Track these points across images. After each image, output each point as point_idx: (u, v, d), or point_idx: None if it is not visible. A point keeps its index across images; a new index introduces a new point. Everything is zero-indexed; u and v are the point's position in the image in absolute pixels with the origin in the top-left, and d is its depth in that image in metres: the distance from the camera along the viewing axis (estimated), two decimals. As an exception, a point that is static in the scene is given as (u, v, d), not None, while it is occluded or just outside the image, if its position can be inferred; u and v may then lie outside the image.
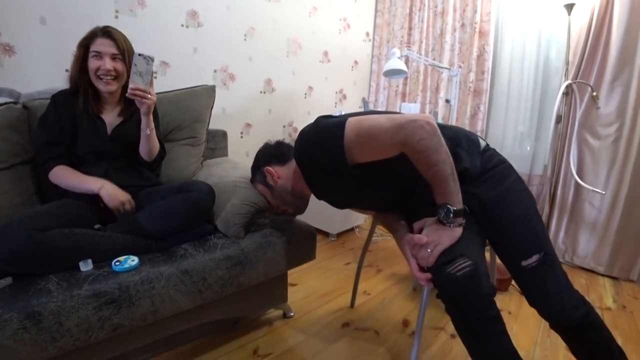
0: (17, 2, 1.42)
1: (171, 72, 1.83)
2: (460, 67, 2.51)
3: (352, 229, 2.55)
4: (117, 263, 0.97)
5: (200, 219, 1.14)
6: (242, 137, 2.19)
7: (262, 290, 1.30)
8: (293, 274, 1.44)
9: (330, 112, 2.12)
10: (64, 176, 1.14)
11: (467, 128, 2.29)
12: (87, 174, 1.15)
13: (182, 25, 1.88)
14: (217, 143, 1.80)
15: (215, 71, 2.03)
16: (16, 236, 0.85)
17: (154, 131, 1.22)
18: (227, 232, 1.16)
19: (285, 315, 1.46)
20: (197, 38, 1.93)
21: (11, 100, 1.28)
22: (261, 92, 2.28)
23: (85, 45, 1.15)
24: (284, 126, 2.48)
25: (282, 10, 2.28)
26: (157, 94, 1.42)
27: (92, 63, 1.14)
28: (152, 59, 1.08)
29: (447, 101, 2.23)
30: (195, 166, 1.58)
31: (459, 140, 0.97)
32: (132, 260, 0.98)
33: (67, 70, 1.53)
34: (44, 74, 1.49)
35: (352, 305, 1.57)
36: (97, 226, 1.09)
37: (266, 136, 1.69)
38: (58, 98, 1.19)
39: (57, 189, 1.16)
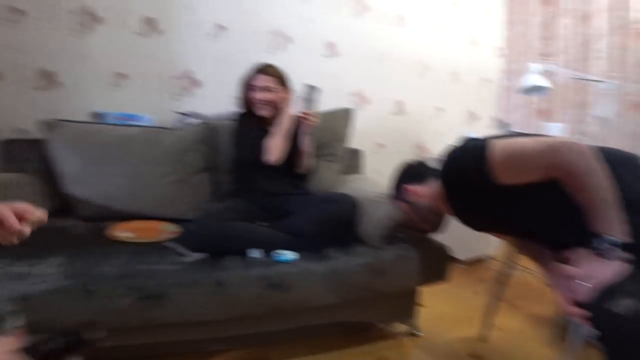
0: (205, 49, 1.89)
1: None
2: (615, 77, 2.12)
3: (483, 258, 2.37)
4: (278, 254, 1.16)
5: (347, 227, 1.28)
6: (374, 155, 2.30)
7: (393, 302, 1.34)
8: (422, 294, 1.44)
9: (462, 132, 2.05)
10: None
11: (629, 150, 1.90)
12: (253, 181, 1.43)
13: (323, 55, 2.15)
14: (352, 160, 1.95)
15: (350, 94, 2.24)
16: (210, 224, 1.14)
17: (310, 147, 1.45)
18: (369, 241, 1.26)
19: (412, 334, 1.45)
20: (334, 65, 2.18)
21: (201, 121, 1.71)
22: (392, 113, 2.40)
23: (247, 82, 1.47)
24: (414, 146, 2.52)
25: (410, 34, 2.37)
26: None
27: (251, 94, 1.44)
28: (317, 88, 1.32)
29: (601, 118, 1.90)
30: (335, 180, 1.74)
31: (621, 164, 0.85)
32: (291, 255, 1.16)
33: (236, 98, 1.93)
34: (220, 100, 1.86)
35: (482, 338, 1.46)
36: (262, 223, 1.34)
37: (397, 156, 1.75)
38: (239, 118, 1.53)
39: (230, 191, 1.49)
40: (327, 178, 1.73)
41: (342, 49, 2.19)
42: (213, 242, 1.13)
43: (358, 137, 2.01)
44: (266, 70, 1.43)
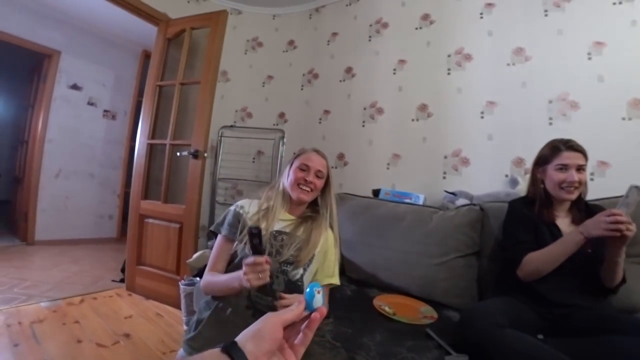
0: (471, 125, 1.89)
1: (611, 173, 1.63)
2: None
3: None
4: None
5: None
6: None
7: None
8: None
9: None
10: (536, 257, 1.17)
11: None
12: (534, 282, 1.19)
13: (624, 119, 1.66)
14: None
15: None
16: (478, 325, 1.00)
17: (623, 259, 1.09)
18: None
19: None
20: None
21: (468, 202, 1.67)
22: None
23: (546, 159, 1.25)
24: None
25: None
26: (593, 200, 1.30)
27: (556, 175, 1.22)
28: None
29: None
30: None
31: None
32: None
33: (506, 176, 1.79)
34: (487, 179, 1.78)
35: None
36: (540, 336, 1.07)
37: None
38: (515, 203, 1.37)
39: (500, 285, 1.30)
40: (637, 289, 1.23)
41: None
42: (483, 349, 1.00)
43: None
44: (576, 147, 1.20)
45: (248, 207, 1.12)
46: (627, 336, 0.92)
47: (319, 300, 0.48)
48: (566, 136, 1.30)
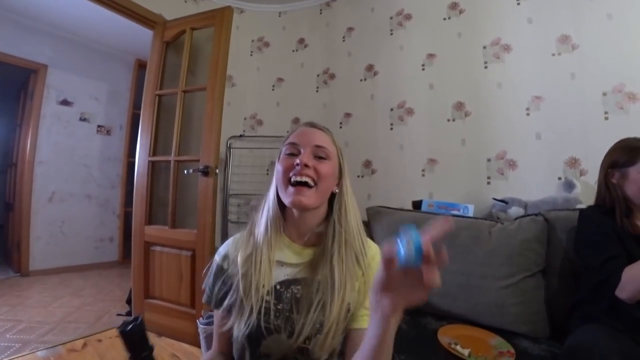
0: (516, 124, 1.68)
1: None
2: None
3: None
4: None
5: None
6: None
7: None
8: None
9: None
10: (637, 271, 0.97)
11: None
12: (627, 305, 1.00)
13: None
14: None
15: None
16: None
17: None
18: None
19: None
20: None
21: (523, 210, 1.47)
22: None
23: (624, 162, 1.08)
24: None
25: None
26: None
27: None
28: None
29: None
30: None
31: None
32: None
33: (559, 179, 1.60)
34: (538, 183, 1.59)
35: None
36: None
37: None
38: (591, 213, 1.18)
39: (583, 309, 1.11)
40: None
41: None
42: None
43: None
44: None
45: (234, 252, 0.70)
46: None
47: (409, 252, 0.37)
48: (626, 131, 1.17)
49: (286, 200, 0.66)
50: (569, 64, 1.60)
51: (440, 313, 1.31)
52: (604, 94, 1.54)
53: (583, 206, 1.35)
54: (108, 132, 3.45)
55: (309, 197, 0.65)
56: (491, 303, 1.24)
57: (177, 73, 2.04)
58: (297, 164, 0.64)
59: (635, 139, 1.10)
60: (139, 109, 2.19)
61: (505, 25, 1.74)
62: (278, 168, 0.69)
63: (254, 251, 0.67)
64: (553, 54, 1.63)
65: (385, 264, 0.43)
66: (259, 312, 0.62)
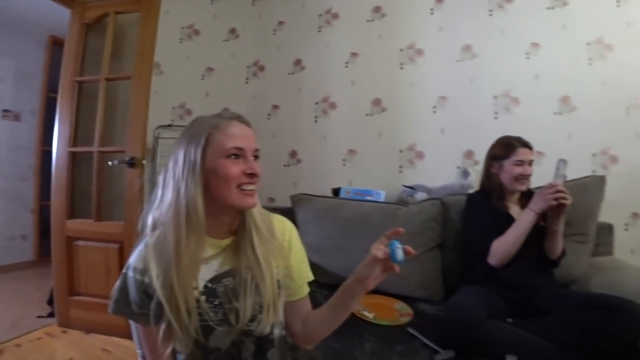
0: (425, 120, 1.93)
1: (546, 162, 1.80)
2: None
3: None
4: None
5: (628, 343, 0.96)
6: (626, 229, 1.76)
7: None
8: None
9: None
10: (501, 243, 1.25)
11: None
12: (494, 269, 1.27)
13: (555, 113, 1.84)
14: (600, 238, 1.53)
15: (594, 155, 1.80)
16: (464, 322, 1.03)
17: (562, 229, 1.22)
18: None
19: None
20: (570, 123, 1.82)
21: (427, 195, 1.71)
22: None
23: (504, 156, 1.34)
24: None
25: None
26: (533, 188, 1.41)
27: (514, 170, 1.30)
28: (567, 162, 1.19)
29: None
30: (583, 266, 1.41)
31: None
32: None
33: (458, 168, 1.87)
34: (441, 171, 1.85)
35: None
36: (509, 320, 1.15)
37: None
38: (474, 197, 1.45)
39: (467, 275, 1.38)
40: (574, 264, 1.39)
41: (577, 102, 1.82)
42: (470, 342, 1.03)
43: (607, 208, 1.56)
44: (527, 143, 1.34)
45: (151, 266, 0.63)
46: (583, 312, 1.03)
47: (400, 254, 0.60)
48: (509, 129, 1.46)
49: (234, 202, 0.65)
50: (469, 70, 1.87)
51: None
52: (495, 97, 1.84)
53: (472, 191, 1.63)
54: (16, 118, 3.08)
55: (255, 197, 0.69)
56: (397, 275, 1.45)
57: (100, 57, 1.92)
58: (252, 174, 0.66)
59: (511, 137, 1.37)
60: (54, 92, 2.01)
61: (420, 31, 1.96)
62: (224, 173, 0.64)
63: (176, 263, 0.62)
64: (457, 60, 1.89)
65: (381, 261, 0.62)
66: (199, 315, 0.64)
